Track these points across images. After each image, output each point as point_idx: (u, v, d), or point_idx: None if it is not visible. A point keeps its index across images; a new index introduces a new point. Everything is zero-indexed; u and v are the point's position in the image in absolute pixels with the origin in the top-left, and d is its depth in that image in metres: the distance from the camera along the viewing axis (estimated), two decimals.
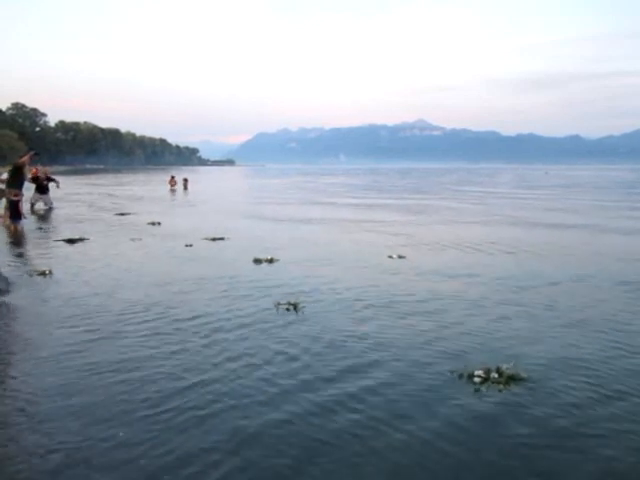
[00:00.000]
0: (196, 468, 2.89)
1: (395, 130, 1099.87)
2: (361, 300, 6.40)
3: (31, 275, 7.71)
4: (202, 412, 3.52)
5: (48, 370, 4.22)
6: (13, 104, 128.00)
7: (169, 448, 3.08)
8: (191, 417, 3.45)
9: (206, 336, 5.05)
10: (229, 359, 4.48)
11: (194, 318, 5.62)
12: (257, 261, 8.85)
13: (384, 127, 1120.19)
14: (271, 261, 8.87)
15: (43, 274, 7.72)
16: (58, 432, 3.25)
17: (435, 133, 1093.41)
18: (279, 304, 6.05)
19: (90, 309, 5.94)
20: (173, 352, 4.63)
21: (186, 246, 10.45)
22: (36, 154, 15.65)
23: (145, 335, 5.09)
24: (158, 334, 5.11)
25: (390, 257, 9.35)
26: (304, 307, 5.98)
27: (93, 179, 52.51)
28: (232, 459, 2.98)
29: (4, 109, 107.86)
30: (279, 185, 46.06)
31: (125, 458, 2.97)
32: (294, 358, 4.52)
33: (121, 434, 3.22)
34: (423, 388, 3.93)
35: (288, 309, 5.90)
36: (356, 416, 3.49)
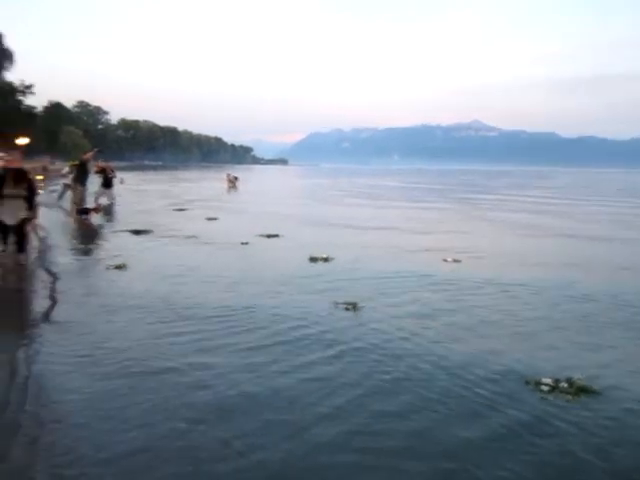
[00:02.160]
0: None
1: (449, 130, 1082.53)
2: (420, 302, 6.33)
3: (108, 268, 8.01)
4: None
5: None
6: (78, 102, 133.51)
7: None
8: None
9: (267, 336, 5.10)
10: (295, 356, 4.52)
11: (248, 308, 5.72)
12: (313, 259, 8.89)
13: (438, 127, 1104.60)
14: (327, 260, 8.89)
15: (118, 267, 8.03)
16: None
17: (491, 134, 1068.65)
18: (337, 303, 6.05)
19: (154, 297, 6.16)
20: (228, 345, 4.71)
21: (242, 244, 10.62)
22: (99, 151, 16.35)
23: (199, 331, 5.20)
24: (212, 321, 5.23)
25: (445, 260, 9.20)
26: (363, 307, 5.96)
27: (151, 175, 54.16)
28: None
29: (70, 107, 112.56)
30: (334, 185, 46.07)
31: None
32: (353, 357, 4.52)
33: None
34: (489, 393, 3.85)
35: (347, 308, 5.90)
36: (435, 415, 3.52)
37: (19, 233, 7.68)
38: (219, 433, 3.21)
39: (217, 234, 12.14)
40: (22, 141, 9.79)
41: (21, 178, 7.68)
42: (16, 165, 7.95)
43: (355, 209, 20.41)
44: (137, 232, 11.55)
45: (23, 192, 7.61)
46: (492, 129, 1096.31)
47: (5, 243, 7.58)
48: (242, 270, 8.10)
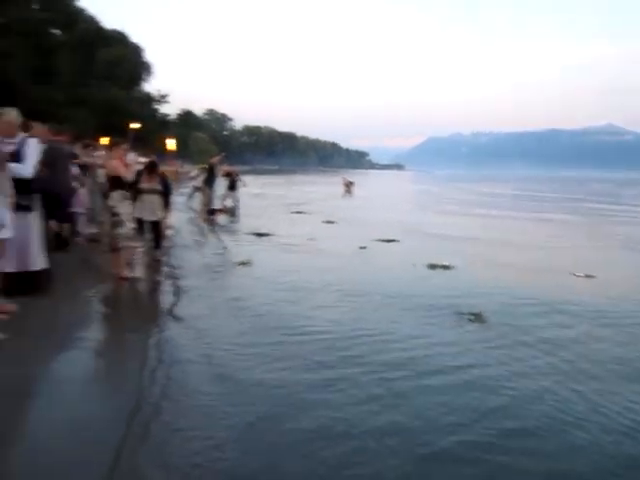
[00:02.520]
0: None
1: (578, 135, 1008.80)
2: (551, 314, 5.94)
3: (234, 265, 8.45)
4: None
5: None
6: (207, 110, 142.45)
7: None
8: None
9: (389, 341, 5.05)
10: (414, 362, 4.43)
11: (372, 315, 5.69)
12: (432, 266, 8.69)
13: (566, 131, 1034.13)
14: (447, 267, 8.65)
15: (243, 263, 8.45)
16: None
17: (627, 138, 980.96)
18: (461, 313, 5.85)
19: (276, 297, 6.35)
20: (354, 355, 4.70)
21: (360, 248, 10.65)
22: (225, 156, 17.41)
23: (318, 333, 5.25)
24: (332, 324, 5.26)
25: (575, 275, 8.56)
26: (488, 317, 5.71)
27: (270, 179, 56.26)
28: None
29: (200, 114, 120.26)
30: (447, 193, 44.89)
31: None
32: (478, 368, 4.33)
33: None
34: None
35: (471, 319, 5.68)
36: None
37: (156, 230, 8.30)
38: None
39: (334, 237, 12.33)
40: (170, 145, 10.60)
41: (153, 171, 8.26)
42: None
43: (466, 219, 19.64)
44: (259, 235, 11.99)
45: (157, 187, 8.19)
46: (629, 133, 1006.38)
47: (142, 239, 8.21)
48: (363, 273, 8.14)
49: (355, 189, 33.39)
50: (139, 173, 8.06)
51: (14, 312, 5.07)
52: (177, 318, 5.51)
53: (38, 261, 5.75)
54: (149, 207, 8.07)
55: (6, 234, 5.00)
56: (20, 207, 5.32)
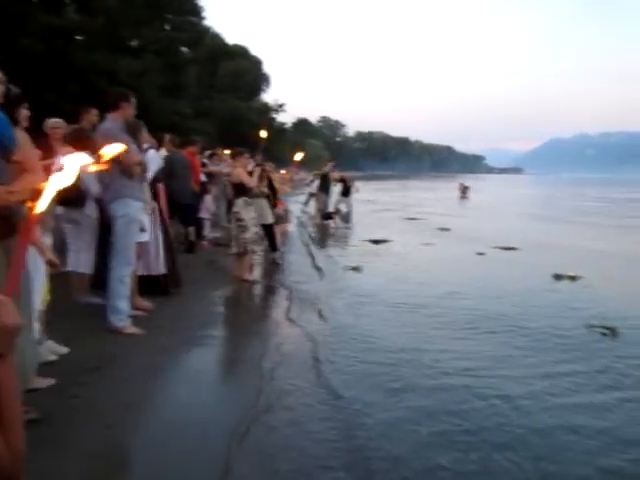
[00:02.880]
0: None
1: None
2: None
3: (344, 270, 8.55)
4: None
5: None
6: (321, 117, 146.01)
7: None
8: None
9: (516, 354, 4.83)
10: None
11: (493, 332, 5.47)
12: (557, 277, 8.17)
13: None
14: (574, 278, 8.09)
15: (354, 269, 8.50)
16: None
17: None
18: (591, 326, 5.45)
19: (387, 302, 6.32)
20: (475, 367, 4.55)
21: (477, 254, 10.32)
22: (334, 163, 17.82)
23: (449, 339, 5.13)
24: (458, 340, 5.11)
25: None
26: (623, 333, 5.26)
27: (383, 184, 56.14)
28: None
29: (314, 122, 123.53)
30: (569, 197, 42.02)
31: None
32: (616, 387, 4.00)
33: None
34: None
35: (604, 333, 5.26)
36: None
37: (269, 233, 8.59)
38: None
39: (451, 243, 12.05)
40: (297, 157, 11.07)
41: (261, 175, 8.48)
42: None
43: (594, 229, 18.16)
44: (373, 241, 12.01)
45: (266, 190, 8.49)
46: None
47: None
48: (482, 280, 7.87)
49: (471, 194, 32.36)
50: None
51: (150, 310, 5.53)
52: (292, 321, 5.68)
53: (160, 266, 6.01)
54: (259, 211, 8.36)
55: (145, 237, 5.46)
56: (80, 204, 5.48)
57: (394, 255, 10.35)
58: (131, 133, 4.94)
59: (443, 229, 14.54)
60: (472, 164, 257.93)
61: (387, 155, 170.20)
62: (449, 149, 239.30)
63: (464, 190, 32.61)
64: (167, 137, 9.43)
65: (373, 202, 25.72)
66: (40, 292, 3.63)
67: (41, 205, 1.11)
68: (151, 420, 3.42)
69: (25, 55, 22.35)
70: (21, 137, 2.93)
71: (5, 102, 2.99)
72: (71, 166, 1.17)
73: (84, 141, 5.30)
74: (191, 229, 9.28)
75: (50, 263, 3.54)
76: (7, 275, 1.15)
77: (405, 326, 5.54)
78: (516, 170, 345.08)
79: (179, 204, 8.18)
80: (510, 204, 29.74)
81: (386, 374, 4.22)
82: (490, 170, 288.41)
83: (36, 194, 1.13)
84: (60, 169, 1.16)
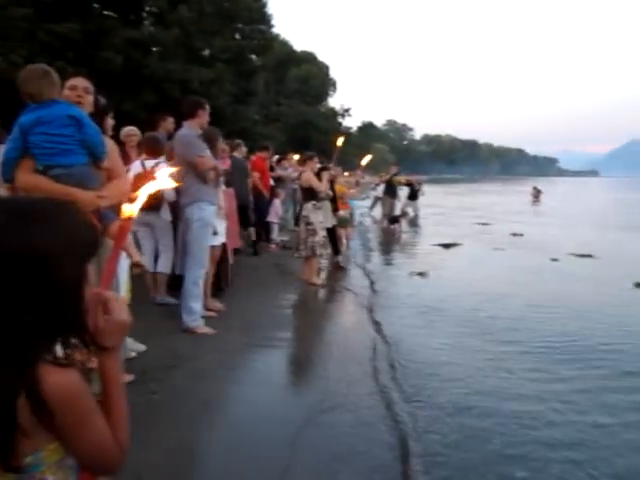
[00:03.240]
0: None
1: None
2: None
3: (411, 275, 8.44)
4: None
5: None
6: (387, 121, 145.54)
7: None
8: None
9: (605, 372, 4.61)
10: None
11: (569, 343, 5.24)
12: (638, 285, 7.74)
13: None
14: None
15: (421, 274, 8.38)
16: None
17: None
18: None
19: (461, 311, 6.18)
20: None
21: (552, 260, 9.92)
22: (398, 167, 17.70)
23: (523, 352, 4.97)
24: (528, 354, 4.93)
25: None
26: None
27: (450, 188, 55.06)
28: None
29: (380, 125, 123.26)
30: None
31: None
32: None
33: None
34: None
35: None
36: None
37: (332, 236, 8.57)
38: None
39: (522, 248, 11.66)
40: (364, 160, 11.16)
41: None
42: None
43: None
44: (442, 245, 11.81)
45: (331, 193, 8.50)
46: None
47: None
48: (559, 290, 7.56)
49: (543, 198, 31.16)
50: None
51: (222, 311, 5.69)
52: (358, 325, 5.67)
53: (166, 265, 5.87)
54: (325, 213, 8.38)
55: (219, 241, 5.63)
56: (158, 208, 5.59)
57: (463, 260, 10.14)
58: (208, 140, 5.12)
59: (515, 234, 14.07)
60: (544, 167, 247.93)
61: (454, 158, 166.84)
62: (520, 151, 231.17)
63: (537, 194, 31.45)
64: (237, 143, 9.71)
65: (441, 206, 25.27)
66: (124, 292, 3.82)
67: (134, 210, 1.16)
68: (223, 418, 3.51)
69: (105, 67, 23.64)
70: (109, 145, 3.11)
71: (94, 112, 3.18)
72: (162, 174, 1.23)
73: (157, 148, 5.54)
74: (251, 230, 9.38)
75: (137, 264, 3.71)
76: (101, 276, 1.22)
77: (473, 347, 5.40)
78: (592, 173, 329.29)
79: (238, 206, 8.36)
80: (585, 208, 28.39)
81: (456, 381, 4.15)
82: (562, 173, 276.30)
83: (129, 200, 1.18)
84: (146, 175, 1.21)
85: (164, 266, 5.71)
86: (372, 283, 7.78)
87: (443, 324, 5.77)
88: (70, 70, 13.83)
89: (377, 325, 5.64)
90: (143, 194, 1.17)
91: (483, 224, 17.06)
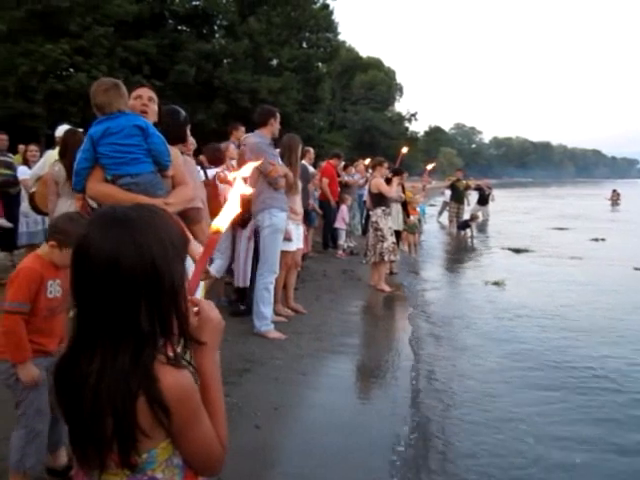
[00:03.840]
0: None
1: None
2: None
3: (485, 284, 8.15)
4: None
5: None
6: (455, 124, 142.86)
7: None
8: None
9: None
10: None
11: None
12: None
13: None
14: None
15: (496, 283, 8.09)
16: None
17: None
18: None
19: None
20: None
21: (635, 269, 9.36)
22: (463, 170, 17.34)
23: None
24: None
25: None
26: None
27: (522, 192, 53.26)
28: None
29: (447, 129, 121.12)
30: None
31: None
32: None
33: None
34: None
35: None
36: None
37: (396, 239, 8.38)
38: None
39: (602, 257, 11.03)
40: (429, 166, 11.04)
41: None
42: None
43: None
44: (516, 250, 11.42)
45: (403, 196, 8.37)
46: None
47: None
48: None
49: (622, 201, 29.52)
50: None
51: (292, 317, 5.75)
52: (430, 335, 5.57)
53: (242, 279, 5.71)
54: (395, 216, 8.27)
55: (292, 247, 5.69)
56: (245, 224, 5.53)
57: (540, 268, 9.73)
58: (289, 147, 5.24)
59: (593, 239, 13.39)
60: (623, 169, 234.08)
61: (526, 161, 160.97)
62: (597, 153, 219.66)
63: (616, 197, 29.84)
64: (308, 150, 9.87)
65: (512, 211, 24.50)
66: (201, 297, 3.93)
67: (224, 222, 1.18)
68: (296, 424, 3.53)
69: (178, 80, 24.62)
70: (174, 154, 3.19)
71: (177, 123, 3.29)
72: (240, 184, 1.23)
73: (218, 157, 5.69)
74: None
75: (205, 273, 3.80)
76: (188, 283, 1.25)
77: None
78: None
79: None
80: None
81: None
82: None
83: (216, 211, 1.20)
84: (207, 184, 1.23)
85: (217, 270, 5.76)
86: (443, 291, 7.64)
87: (523, 342, 5.56)
88: (146, 83, 14.50)
89: (449, 334, 5.53)
90: (229, 211, 1.18)
91: (559, 229, 16.35)
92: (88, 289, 1.04)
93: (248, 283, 5.60)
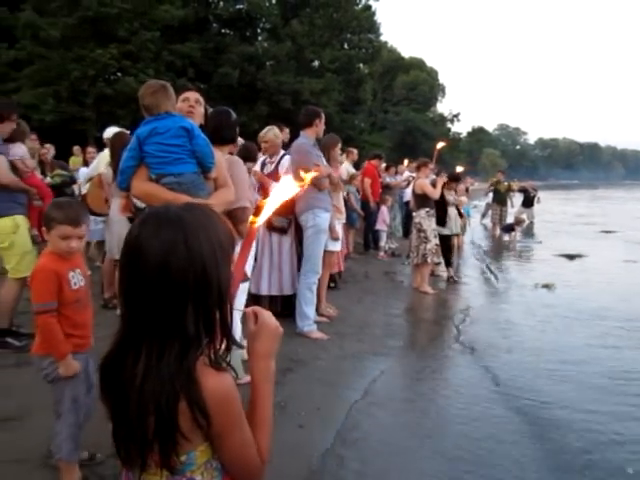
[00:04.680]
0: None
1: None
2: None
3: (536, 287, 7.93)
4: None
5: None
6: (499, 125, 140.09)
7: None
8: None
9: None
10: None
11: None
12: None
13: None
14: None
15: (546, 286, 7.89)
16: None
17: None
18: None
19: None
20: None
21: None
22: (503, 172, 16.92)
23: None
24: None
25: None
26: None
27: (568, 194, 51.67)
28: None
29: (491, 130, 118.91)
30: None
31: None
32: None
33: None
34: None
35: None
36: None
37: (445, 246, 8.21)
38: None
39: None
40: (460, 167, 10.84)
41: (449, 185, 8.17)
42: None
43: None
44: (564, 256, 11.08)
45: (465, 199, 8.22)
46: None
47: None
48: None
49: None
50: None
51: (335, 317, 5.75)
52: (475, 341, 5.47)
53: (291, 286, 5.47)
54: (453, 220, 8.13)
55: (337, 247, 5.69)
56: (274, 229, 5.33)
57: (592, 273, 9.37)
58: (325, 147, 5.24)
59: None
60: None
61: (572, 162, 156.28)
62: None
63: None
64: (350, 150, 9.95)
65: (559, 213, 23.85)
66: (244, 294, 3.97)
67: (261, 219, 1.17)
68: (337, 424, 3.51)
69: (222, 82, 25.02)
70: (218, 156, 3.23)
71: (228, 124, 3.34)
72: (286, 184, 1.22)
73: (251, 155, 5.72)
74: None
75: None
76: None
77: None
78: None
79: None
80: None
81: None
82: None
83: (256, 209, 1.19)
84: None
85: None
86: (488, 295, 7.50)
87: (576, 353, 5.41)
88: (191, 86, 14.76)
89: (494, 341, 5.42)
90: (269, 205, 1.17)
91: (609, 232, 15.81)
92: (137, 289, 1.03)
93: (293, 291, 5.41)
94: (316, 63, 31.21)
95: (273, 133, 5.33)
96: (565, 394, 4.07)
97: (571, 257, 10.90)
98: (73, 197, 7.12)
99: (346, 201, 7.89)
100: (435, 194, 7.18)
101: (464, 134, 79.84)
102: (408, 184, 12.41)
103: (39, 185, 4.86)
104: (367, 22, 34.89)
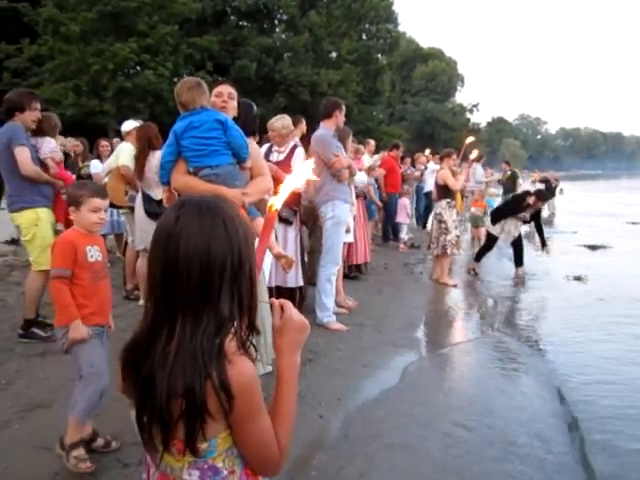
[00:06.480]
0: None
1: None
2: None
3: (568, 279, 7.87)
4: None
5: None
6: (519, 115, 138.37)
7: None
8: None
9: None
10: None
11: None
12: None
13: None
14: None
15: (578, 278, 7.83)
16: None
17: None
18: None
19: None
20: None
21: None
22: (507, 162, 16.52)
23: None
24: None
25: None
26: None
27: (591, 185, 50.92)
28: None
29: (511, 120, 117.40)
30: None
31: None
32: None
33: None
34: None
35: None
36: None
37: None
38: None
39: None
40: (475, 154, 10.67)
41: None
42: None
43: None
44: (590, 247, 10.91)
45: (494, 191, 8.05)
46: None
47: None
48: None
49: None
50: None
51: (354, 308, 5.74)
52: (499, 332, 5.42)
53: (296, 278, 5.24)
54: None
55: (350, 238, 5.67)
56: (280, 219, 5.03)
57: (621, 264, 9.22)
58: (340, 139, 5.19)
59: None
60: None
61: (595, 153, 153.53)
62: None
63: None
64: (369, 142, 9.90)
65: (582, 204, 23.46)
66: (266, 283, 3.98)
67: (279, 203, 1.20)
68: (358, 414, 3.51)
69: (240, 74, 25.05)
70: (252, 147, 3.28)
71: (250, 116, 3.37)
72: (302, 171, 1.24)
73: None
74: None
75: (278, 256, 3.80)
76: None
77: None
78: None
79: None
80: None
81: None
82: None
83: (274, 194, 1.21)
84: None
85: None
86: (512, 286, 7.42)
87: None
88: (209, 79, 14.81)
89: (518, 331, 5.37)
90: (286, 189, 1.20)
91: (634, 223, 15.51)
92: (175, 271, 1.05)
93: (301, 282, 5.28)
94: (334, 54, 31.06)
95: (281, 123, 5.14)
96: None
97: (594, 248, 10.77)
98: None
99: (365, 194, 7.84)
100: (456, 185, 7.10)
101: (483, 124, 79.00)
102: (422, 175, 12.31)
103: (66, 178, 4.88)
104: (385, 12, 34.64)
